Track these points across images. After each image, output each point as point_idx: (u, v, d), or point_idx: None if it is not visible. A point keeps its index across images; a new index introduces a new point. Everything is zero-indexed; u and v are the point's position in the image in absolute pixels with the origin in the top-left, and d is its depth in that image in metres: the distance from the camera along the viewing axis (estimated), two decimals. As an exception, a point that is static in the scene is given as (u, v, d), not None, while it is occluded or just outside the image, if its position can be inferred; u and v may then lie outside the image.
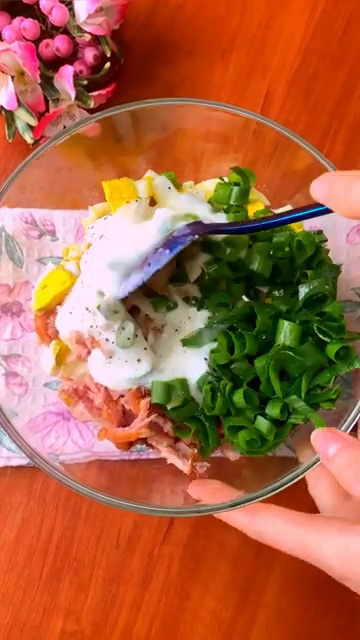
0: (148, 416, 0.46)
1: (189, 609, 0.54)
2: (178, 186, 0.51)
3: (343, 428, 0.44)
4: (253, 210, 0.49)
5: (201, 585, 0.54)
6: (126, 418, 0.48)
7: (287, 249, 0.47)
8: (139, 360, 0.45)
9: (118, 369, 0.46)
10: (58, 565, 0.54)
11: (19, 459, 0.53)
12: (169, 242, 0.44)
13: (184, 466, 0.47)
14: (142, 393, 0.46)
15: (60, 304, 0.49)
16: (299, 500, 0.45)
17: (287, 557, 0.41)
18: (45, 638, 0.53)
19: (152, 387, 0.45)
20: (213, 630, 0.54)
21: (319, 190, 0.38)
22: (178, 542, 0.54)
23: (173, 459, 0.47)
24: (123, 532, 0.54)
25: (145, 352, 0.46)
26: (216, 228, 0.45)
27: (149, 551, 0.54)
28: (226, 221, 0.48)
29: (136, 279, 0.44)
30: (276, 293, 0.47)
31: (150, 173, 0.51)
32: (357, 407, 0.44)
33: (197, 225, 0.45)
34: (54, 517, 0.54)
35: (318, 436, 0.41)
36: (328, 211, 0.39)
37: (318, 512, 0.44)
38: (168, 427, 0.47)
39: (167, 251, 0.43)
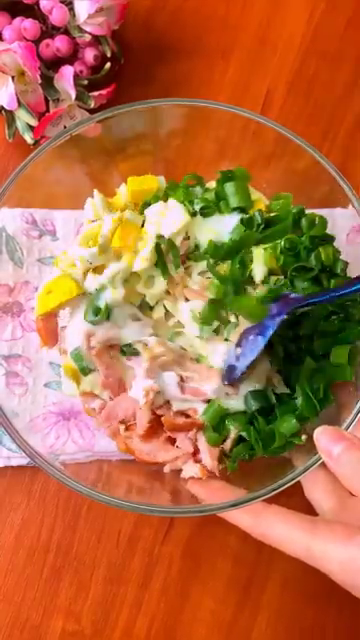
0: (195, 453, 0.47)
1: (189, 609, 0.54)
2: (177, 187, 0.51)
3: (344, 426, 0.44)
4: (252, 210, 0.49)
5: (201, 585, 0.54)
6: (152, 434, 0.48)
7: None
8: None
9: None
10: (58, 565, 0.54)
11: (19, 459, 0.53)
12: (259, 327, 0.43)
13: (199, 473, 0.47)
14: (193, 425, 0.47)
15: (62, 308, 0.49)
16: (299, 498, 0.45)
17: (287, 557, 0.41)
18: (45, 638, 0.53)
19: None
20: (213, 630, 0.54)
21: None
22: (178, 542, 0.54)
23: (191, 472, 0.48)
24: (123, 532, 0.54)
25: None
26: (306, 301, 0.42)
27: (149, 551, 0.54)
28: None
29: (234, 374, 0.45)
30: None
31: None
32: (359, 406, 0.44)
33: (285, 302, 0.42)
34: (54, 517, 0.54)
35: (322, 435, 0.40)
36: None
37: (316, 512, 0.45)
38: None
39: (260, 337, 0.41)
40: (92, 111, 0.56)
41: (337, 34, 0.64)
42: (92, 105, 0.56)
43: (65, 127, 0.57)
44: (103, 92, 0.57)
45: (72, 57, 0.57)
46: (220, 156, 0.51)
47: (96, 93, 0.57)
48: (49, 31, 0.56)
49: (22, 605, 0.53)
